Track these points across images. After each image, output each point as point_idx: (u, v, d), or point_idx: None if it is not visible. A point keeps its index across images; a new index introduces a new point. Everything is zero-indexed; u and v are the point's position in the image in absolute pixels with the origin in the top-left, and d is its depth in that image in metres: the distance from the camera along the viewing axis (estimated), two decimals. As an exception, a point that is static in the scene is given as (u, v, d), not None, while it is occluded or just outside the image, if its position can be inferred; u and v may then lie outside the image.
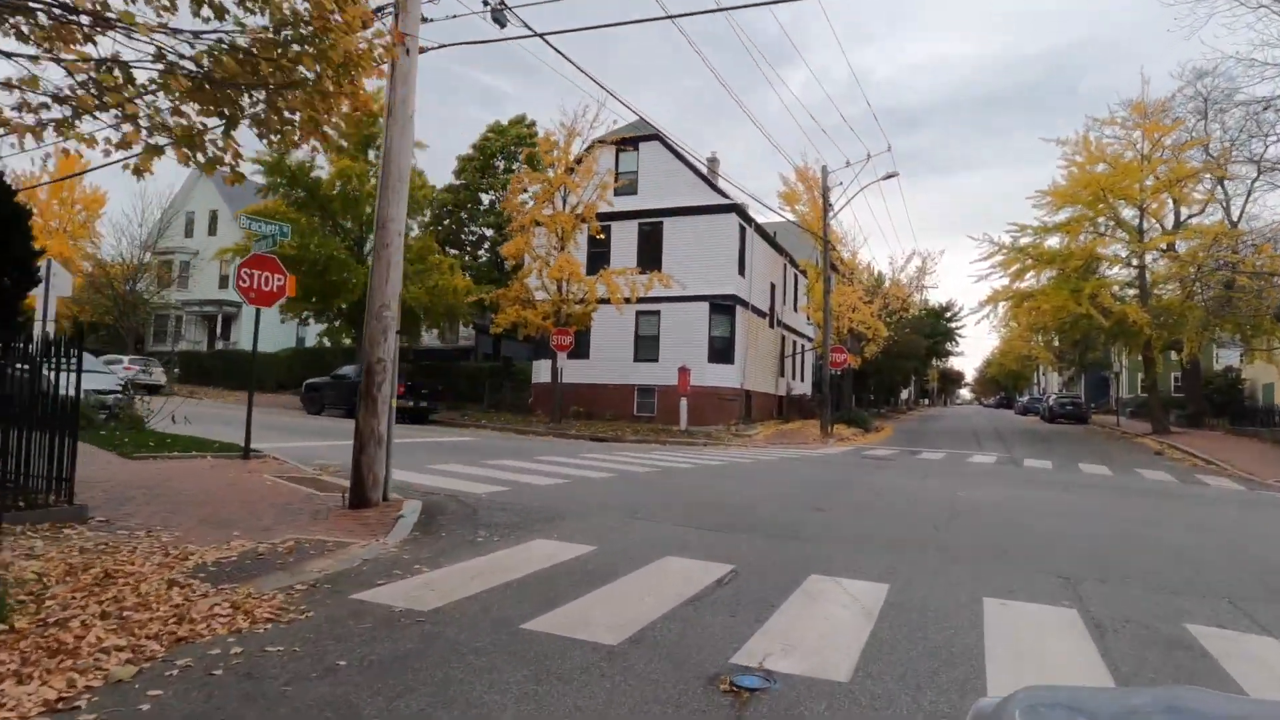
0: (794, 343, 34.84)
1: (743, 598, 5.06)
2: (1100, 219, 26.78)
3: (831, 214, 23.69)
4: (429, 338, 37.32)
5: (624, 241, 26.63)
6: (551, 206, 22.81)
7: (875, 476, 13.30)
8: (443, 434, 19.30)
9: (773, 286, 31.05)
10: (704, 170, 26.15)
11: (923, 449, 21.46)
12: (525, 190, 22.73)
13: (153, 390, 31.62)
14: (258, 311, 10.34)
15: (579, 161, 23.15)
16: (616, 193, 26.73)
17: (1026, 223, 28.02)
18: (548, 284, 22.96)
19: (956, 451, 20.84)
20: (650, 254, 26.15)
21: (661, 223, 26.17)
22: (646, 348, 25.99)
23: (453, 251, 32.74)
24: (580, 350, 26.52)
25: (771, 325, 30.81)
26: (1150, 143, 25.83)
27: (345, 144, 26.57)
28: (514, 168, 30.92)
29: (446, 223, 33.16)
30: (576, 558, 6.02)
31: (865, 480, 12.58)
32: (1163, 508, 10.82)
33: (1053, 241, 28.24)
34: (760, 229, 28.85)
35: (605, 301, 23.38)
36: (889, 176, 22.34)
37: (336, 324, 28.43)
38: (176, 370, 38.15)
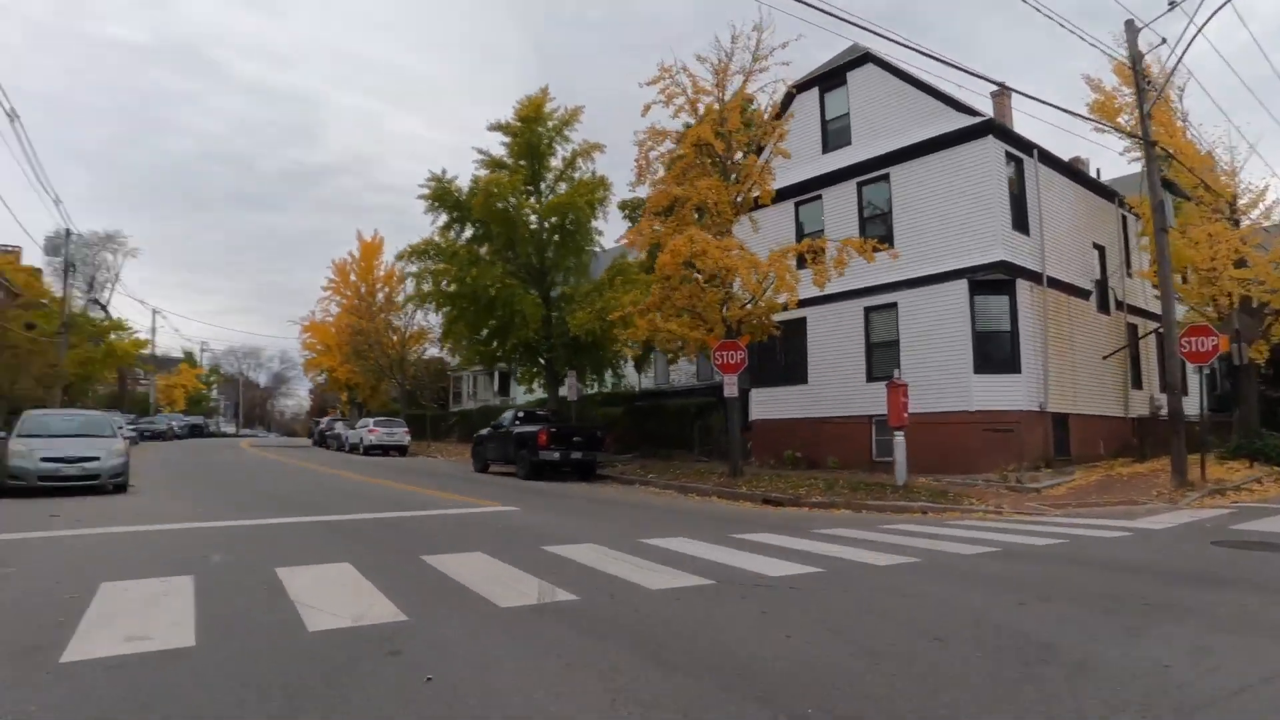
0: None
1: None
2: None
3: (1154, 93, 13.41)
4: (646, 379, 32.52)
5: (840, 212, 19.01)
6: (702, 168, 16.32)
7: (1163, 642, 4.53)
8: (544, 498, 13.79)
9: (1100, 251, 20.29)
10: (941, 87, 17.58)
11: None
12: (656, 150, 16.50)
13: (400, 450, 31.79)
14: None
15: (734, 108, 16.50)
16: (825, 148, 19.49)
17: None
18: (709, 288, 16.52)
19: None
20: (877, 221, 18.20)
21: (887, 174, 18.04)
22: (883, 359, 17.83)
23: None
24: (795, 371, 19.53)
25: (1105, 309, 20.05)
26: None
27: (507, 159, 23.44)
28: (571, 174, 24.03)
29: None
30: None
31: (1118, 657, 4.09)
32: None
33: None
34: (1054, 159, 18.75)
35: (813, 302, 16.19)
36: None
37: (528, 368, 25.08)
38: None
